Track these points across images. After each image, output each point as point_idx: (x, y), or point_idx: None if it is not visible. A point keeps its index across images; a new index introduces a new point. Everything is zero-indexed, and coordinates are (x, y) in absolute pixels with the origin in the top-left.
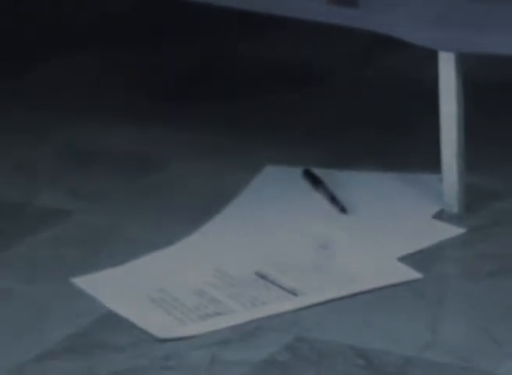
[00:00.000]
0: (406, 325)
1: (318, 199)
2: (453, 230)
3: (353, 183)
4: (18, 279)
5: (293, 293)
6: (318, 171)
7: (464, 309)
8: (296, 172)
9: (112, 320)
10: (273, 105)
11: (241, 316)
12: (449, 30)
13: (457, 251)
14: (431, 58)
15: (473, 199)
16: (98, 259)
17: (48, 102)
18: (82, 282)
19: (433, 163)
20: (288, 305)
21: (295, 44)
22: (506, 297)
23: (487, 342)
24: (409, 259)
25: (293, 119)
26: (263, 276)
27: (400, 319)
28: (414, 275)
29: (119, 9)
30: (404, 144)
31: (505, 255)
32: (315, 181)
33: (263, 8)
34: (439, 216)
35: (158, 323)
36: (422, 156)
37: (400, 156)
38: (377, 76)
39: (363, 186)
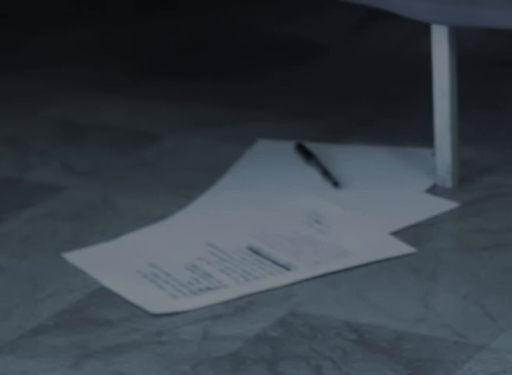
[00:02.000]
0: (399, 299)
1: (311, 173)
2: (447, 205)
3: (347, 157)
4: (10, 254)
5: (286, 267)
6: (310, 145)
7: (457, 284)
8: (289, 146)
9: (103, 295)
10: (266, 79)
11: (234, 290)
12: (443, 4)
13: (451, 226)
14: (425, 31)
15: (466, 173)
16: (91, 234)
17: (40, 77)
18: (74, 257)
19: (427, 137)
20: (281, 279)
21: (288, 18)
22: (499, 271)
23: (481, 316)
24: (402, 234)
25: (286, 93)
26: (256, 251)
27: (393, 293)
28: (408, 249)
29: None
30: (398, 118)
31: (499, 229)
32: (308, 155)
33: None
34: (433, 190)
35: (150, 298)
36: (416, 130)
37: (393, 130)
38: (370, 50)
39: (356, 160)
